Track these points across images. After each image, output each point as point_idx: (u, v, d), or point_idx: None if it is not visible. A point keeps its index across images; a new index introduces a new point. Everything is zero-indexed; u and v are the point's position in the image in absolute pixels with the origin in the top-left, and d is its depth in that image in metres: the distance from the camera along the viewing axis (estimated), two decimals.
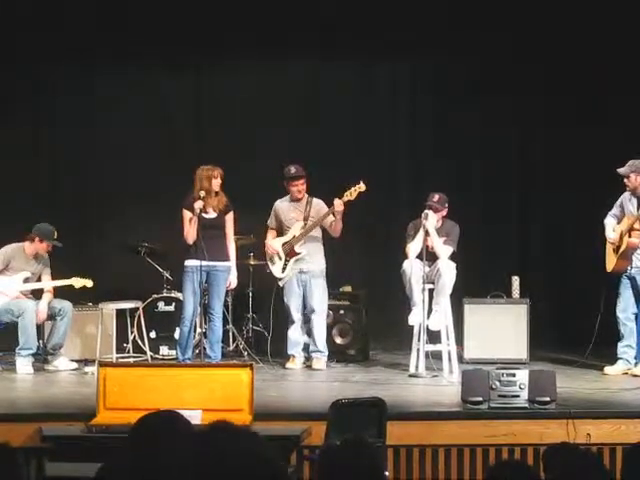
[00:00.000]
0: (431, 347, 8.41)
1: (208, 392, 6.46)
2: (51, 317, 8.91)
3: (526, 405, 6.63)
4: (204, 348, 8.54)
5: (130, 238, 10.02)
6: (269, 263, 9.02)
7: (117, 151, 10.63)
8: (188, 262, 8.57)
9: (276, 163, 9.56)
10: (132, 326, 9.40)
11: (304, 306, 8.99)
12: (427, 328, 8.39)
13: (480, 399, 6.67)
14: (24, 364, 8.73)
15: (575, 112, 10.15)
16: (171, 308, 9.56)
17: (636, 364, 8.37)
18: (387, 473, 6.05)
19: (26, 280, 8.98)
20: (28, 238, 9.01)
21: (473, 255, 9.41)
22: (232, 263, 8.73)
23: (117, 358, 9.18)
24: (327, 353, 8.97)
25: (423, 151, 10.80)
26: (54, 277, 9.07)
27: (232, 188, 8.85)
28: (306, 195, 9.00)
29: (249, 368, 6.55)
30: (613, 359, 8.45)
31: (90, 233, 10.64)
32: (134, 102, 10.71)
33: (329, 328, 9.14)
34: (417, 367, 8.37)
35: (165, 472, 3.20)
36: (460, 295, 9.01)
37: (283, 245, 8.96)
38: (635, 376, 8.22)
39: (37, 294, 9.03)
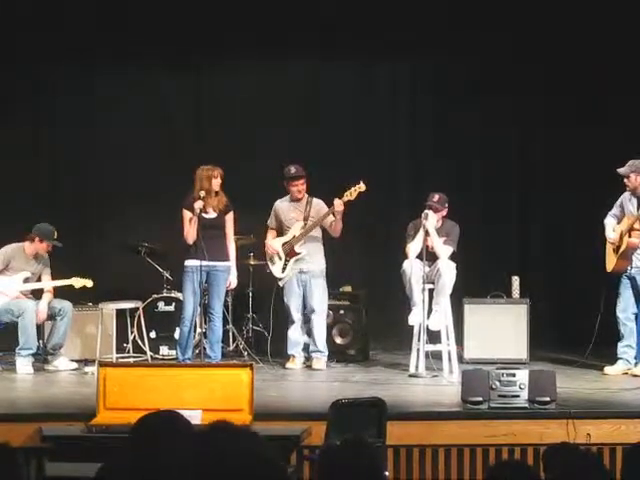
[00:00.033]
0: (431, 347, 8.41)
1: (208, 392, 6.46)
2: (51, 317, 8.91)
3: (526, 405, 6.63)
4: (204, 348, 8.54)
5: (130, 238, 10.02)
6: (269, 263, 9.02)
7: (117, 151, 10.63)
8: (188, 262, 8.57)
9: (276, 163, 9.56)
10: (132, 326, 9.40)
11: (304, 306, 8.99)
12: (427, 328, 8.39)
13: (480, 399, 6.67)
14: (24, 364, 8.73)
15: (575, 112, 10.15)
16: (171, 308, 9.56)
17: (636, 364, 8.37)
18: (387, 473, 6.05)
19: (26, 280, 8.98)
20: (28, 238, 9.01)
21: (473, 255, 9.41)
22: (232, 263, 8.73)
23: (117, 358, 9.17)
24: (327, 353, 8.97)
25: (423, 151, 10.80)
26: (54, 277, 9.07)
27: (232, 188, 8.84)
28: (306, 195, 9.00)
29: (249, 368, 6.55)
30: (613, 359, 8.45)
31: (90, 233, 10.64)
32: (134, 102, 10.71)
33: (329, 328, 9.14)
34: (417, 367, 8.36)
35: (165, 472, 3.20)
36: (460, 295, 9.01)
37: (283, 245, 8.96)
38: (635, 376, 8.22)
39: (37, 294, 9.03)
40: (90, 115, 10.78)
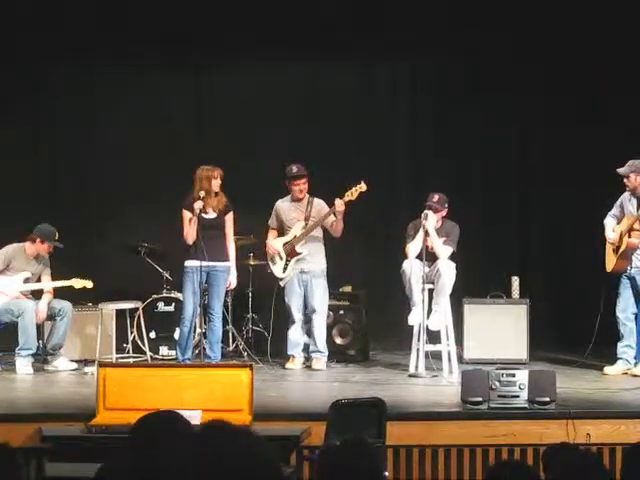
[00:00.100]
0: (431, 347, 8.41)
1: (208, 392, 6.46)
2: (51, 317, 8.91)
3: (526, 405, 6.63)
4: (204, 348, 8.54)
5: (130, 238, 10.02)
6: (270, 263, 9.02)
7: (117, 151, 10.63)
8: (188, 262, 8.56)
9: (276, 163, 9.56)
10: (132, 326, 9.40)
11: (305, 306, 8.98)
12: (427, 328, 8.39)
13: (480, 399, 6.67)
14: (24, 364, 8.73)
15: (575, 112, 10.15)
16: (171, 308, 9.56)
17: (636, 364, 8.37)
18: (387, 473, 6.05)
19: (26, 280, 8.98)
20: (29, 239, 9.00)
21: (473, 255, 9.41)
22: (232, 263, 8.73)
23: (117, 358, 9.17)
24: (327, 353, 8.97)
25: (423, 151, 10.80)
26: (54, 277, 9.07)
27: (232, 188, 8.84)
28: (307, 195, 9.00)
29: (249, 368, 6.55)
30: (613, 359, 8.45)
31: (90, 233, 10.64)
32: (134, 102, 10.71)
33: (329, 328, 9.13)
34: (417, 367, 8.36)
35: (165, 472, 3.20)
36: (460, 295, 9.01)
37: (284, 245, 8.96)
38: (635, 376, 8.22)
39: (37, 294, 9.03)
40: (90, 115, 10.79)
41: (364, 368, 8.95)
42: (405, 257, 8.61)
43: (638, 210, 8.34)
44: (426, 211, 8.52)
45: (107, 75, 10.66)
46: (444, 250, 8.57)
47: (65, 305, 8.91)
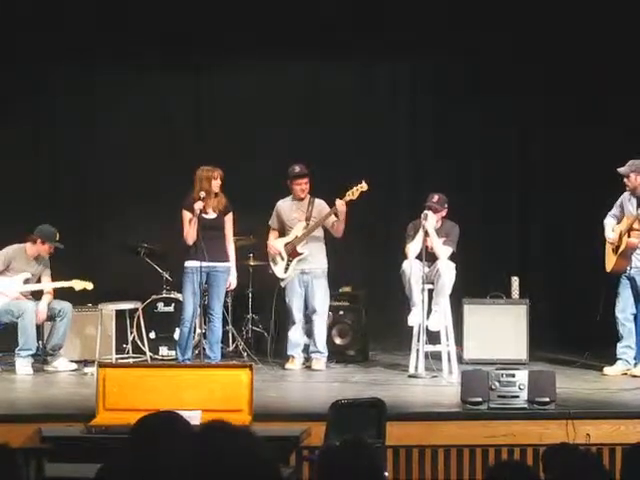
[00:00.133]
0: (430, 348, 8.41)
1: (208, 393, 6.45)
2: (51, 318, 8.91)
3: (525, 406, 6.63)
4: (204, 349, 8.54)
5: (130, 238, 10.02)
6: (271, 264, 9.00)
7: (117, 151, 10.63)
8: (188, 263, 8.56)
9: (276, 163, 9.57)
10: (131, 327, 9.40)
11: (305, 307, 8.98)
12: (427, 328, 8.39)
13: (479, 400, 6.66)
14: (24, 365, 8.73)
15: (575, 112, 10.15)
16: (170, 309, 9.56)
17: (635, 364, 8.36)
18: (386, 474, 6.04)
19: (26, 281, 8.98)
20: (30, 239, 9.00)
21: (473, 255, 9.41)
22: (232, 264, 8.73)
23: (116, 359, 9.17)
24: (327, 354, 8.97)
25: (423, 151, 10.80)
26: (54, 277, 9.07)
27: (232, 188, 8.84)
28: (308, 195, 9.00)
29: (249, 369, 6.55)
30: (612, 359, 8.44)
31: (90, 233, 10.64)
32: (134, 102, 10.71)
33: (328, 329, 9.13)
34: (416, 368, 8.36)
35: (164, 472, 3.20)
36: (460, 295, 9.01)
37: (285, 245, 8.95)
38: (634, 377, 8.21)
39: (37, 295, 9.03)
40: (90, 115, 10.79)
41: (364, 368, 8.95)
42: (405, 257, 8.61)
43: (638, 210, 8.34)
44: (426, 211, 8.52)
45: (107, 75, 10.66)
46: (444, 250, 8.57)
47: (65, 306, 8.90)
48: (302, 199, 8.98)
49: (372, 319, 9.56)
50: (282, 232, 9.05)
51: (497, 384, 6.65)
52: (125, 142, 10.62)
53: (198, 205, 8.47)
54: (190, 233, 8.51)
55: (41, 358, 9.00)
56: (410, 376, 8.33)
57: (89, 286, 8.97)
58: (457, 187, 9.92)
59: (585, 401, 7.11)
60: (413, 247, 8.55)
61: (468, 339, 9.04)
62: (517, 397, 6.64)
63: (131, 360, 9.23)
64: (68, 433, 6.43)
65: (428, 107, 10.77)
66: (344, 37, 10.25)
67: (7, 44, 10.24)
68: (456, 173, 10.51)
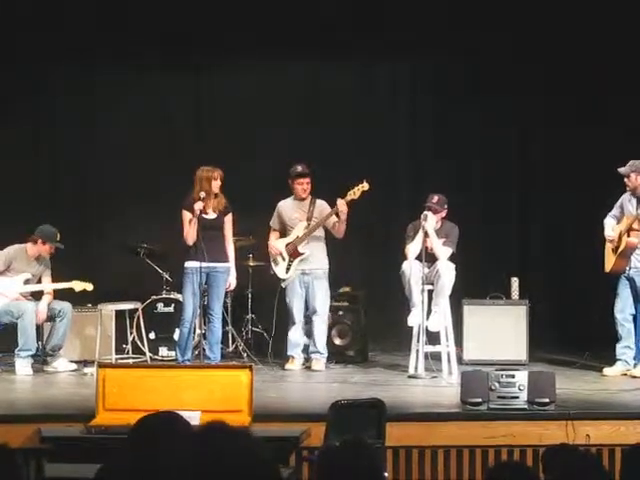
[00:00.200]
0: (430, 348, 8.41)
1: (207, 393, 6.45)
2: (51, 318, 8.91)
3: (525, 406, 6.63)
4: (203, 349, 8.54)
5: (130, 238, 10.02)
6: (273, 264, 9.00)
7: (117, 151, 10.63)
8: (188, 264, 8.56)
9: (276, 163, 9.57)
10: (131, 327, 9.40)
11: (306, 307, 8.97)
12: (426, 329, 8.38)
13: (479, 400, 6.66)
14: (23, 365, 8.72)
15: (575, 112, 10.15)
16: (170, 309, 9.55)
17: (635, 365, 8.36)
18: (386, 474, 6.05)
19: (27, 282, 8.98)
20: (30, 240, 9.00)
21: (473, 256, 9.40)
22: (231, 264, 8.72)
23: (116, 359, 9.17)
24: (327, 354, 8.96)
25: (423, 151, 10.80)
26: (54, 277, 9.07)
27: (232, 188, 8.84)
28: (310, 196, 8.99)
29: (248, 369, 6.54)
30: (612, 360, 8.44)
31: (90, 233, 10.63)
32: (134, 102, 10.71)
33: (328, 329, 9.12)
34: (416, 368, 8.36)
35: (164, 473, 3.20)
36: (459, 296, 9.01)
37: (286, 246, 8.94)
38: (634, 377, 8.21)
39: (37, 295, 9.02)
40: (90, 115, 10.79)
41: (363, 369, 8.95)
42: (405, 258, 8.61)
43: (638, 210, 8.33)
44: (425, 212, 8.51)
45: (107, 75, 10.66)
46: (443, 251, 8.57)
47: (65, 306, 8.90)
48: (303, 199, 8.98)
49: (372, 319, 9.56)
50: (283, 232, 9.05)
51: (497, 385, 6.65)
52: (125, 142, 10.62)
53: (198, 205, 8.47)
54: (190, 233, 8.51)
55: (41, 358, 9.00)
56: (410, 377, 8.32)
57: (89, 287, 8.96)
58: (457, 187, 9.92)
59: (585, 402, 7.10)
60: (413, 248, 8.55)
61: (468, 340, 9.04)
62: (517, 398, 6.63)
63: (131, 360, 9.23)
64: (68, 433, 6.43)
65: (428, 107, 10.77)
66: (344, 37, 10.25)
67: (7, 44, 10.24)
68: (456, 173, 10.51)
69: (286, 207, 9.04)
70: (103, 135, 10.73)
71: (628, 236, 8.34)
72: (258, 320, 9.77)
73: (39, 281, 9.03)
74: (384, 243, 10.32)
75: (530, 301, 9.16)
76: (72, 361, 9.07)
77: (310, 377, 8.61)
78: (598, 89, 10.09)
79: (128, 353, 9.40)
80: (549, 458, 4.21)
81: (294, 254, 8.91)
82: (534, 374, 6.82)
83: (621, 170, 8.36)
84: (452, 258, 8.63)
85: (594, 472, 3.84)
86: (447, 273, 8.48)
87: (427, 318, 8.41)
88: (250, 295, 9.82)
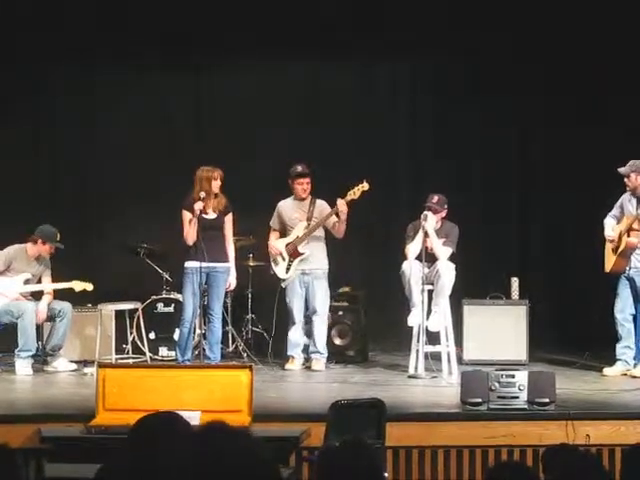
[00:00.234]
0: (430, 348, 8.41)
1: (207, 393, 6.45)
2: (51, 318, 8.91)
3: (525, 406, 6.63)
4: (203, 349, 8.54)
5: (130, 238, 10.02)
6: (272, 264, 8.99)
7: (117, 151, 10.63)
8: (188, 264, 8.56)
9: (276, 163, 9.57)
10: (131, 327, 9.40)
11: (306, 307, 8.97)
12: (426, 329, 8.38)
13: (479, 400, 6.66)
14: (23, 365, 8.72)
15: (575, 112, 10.15)
16: (170, 309, 9.55)
17: (635, 365, 8.36)
18: (386, 474, 6.05)
19: (27, 282, 8.98)
20: (30, 240, 9.00)
21: (473, 256, 9.40)
22: (231, 264, 8.72)
23: (116, 359, 9.17)
24: (327, 354, 8.96)
25: (423, 151, 10.80)
26: (54, 277, 9.07)
27: (232, 188, 8.84)
28: (310, 196, 8.99)
29: (248, 369, 6.54)
30: (612, 360, 8.44)
31: (90, 233, 10.63)
32: (134, 102, 10.71)
33: (328, 329, 9.12)
34: (416, 368, 8.36)
35: (164, 473, 3.20)
36: (459, 296, 9.01)
37: (287, 246, 8.94)
38: (634, 377, 8.21)
39: (37, 296, 9.02)
40: (90, 115, 10.79)
41: (363, 369, 8.95)
42: (404, 258, 8.61)
43: (638, 210, 8.33)
44: (425, 212, 8.52)
45: (107, 75, 10.66)
46: (443, 251, 8.57)
47: (65, 306, 8.90)
48: (303, 199, 8.97)
49: (371, 319, 9.56)
50: (283, 232, 9.05)
51: (497, 385, 6.65)
52: (125, 142, 10.62)
53: (198, 205, 8.47)
54: (190, 233, 8.51)
55: (41, 358, 9.00)
56: (410, 377, 8.32)
57: (89, 287, 8.96)
58: (457, 187, 9.92)
59: (585, 402, 7.10)
60: (413, 248, 8.55)
61: (468, 340, 9.04)
62: (517, 398, 6.63)
63: (131, 360, 9.23)
64: (68, 433, 6.43)
65: (428, 107, 10.77)
66: (344, 37, 10.25)
67: (7, 44, 10.24)
68: (456, 173, 10.52)
69: (286, 207, 9.04)
70: (103, 135, 10.73)
71: (628, 236, 8.34)
72: (258, 320, 9.77)
73: (39, 281, 9.04)
74: (384, 243, 10.32)
75: (530, 301, 9.16)
76: (72, 361, 9.07)
77: (310, 377, 8.61)
78: (598, 89, 10.09)
79: (128, 353, 9.40)
80: (549, 458, 4.21)
81: (294, 254, 8.91)
82: (534, 374, 6.82)
83: (621, 170, 8.36)
84: (452, 258, 8.63)
85: (594, 472, 3.84)
86: (447, 273, 8.48)
87: (427, 318, 8.41)
88: (250, 295, 9.82)
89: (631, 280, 8.38)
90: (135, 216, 10.38)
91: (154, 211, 10.07)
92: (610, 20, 9.90)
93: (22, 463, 5.86)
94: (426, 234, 8.45)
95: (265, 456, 3.10)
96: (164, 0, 10.37)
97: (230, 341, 9.60)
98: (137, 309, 9.37)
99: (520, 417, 6.61)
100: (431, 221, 8.50)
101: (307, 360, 8.99)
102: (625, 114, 9.88)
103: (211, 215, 8.64)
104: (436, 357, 8.45)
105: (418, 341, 8.38)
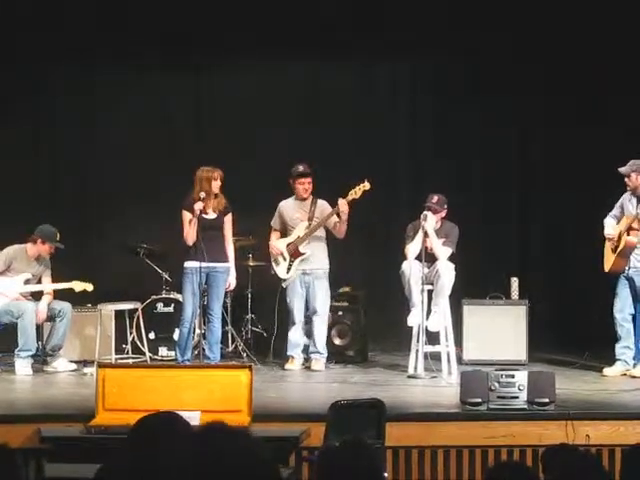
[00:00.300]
0: (430, 348, 8.40)
1: (207, 393, 6.45)
2: (50, 318, 8.91)
3: (525, 406, 6.63)
4: (203, 349, 8.54)
5: (130, 238, 10.02)
6: (273, 264, 8.99)
7: (117, 151, 10.63)
8: (188, 264, 8.56)
9: (276, 163, 9.57)
10: (131, 327, 9.40)
11: (306, 307, 8.97)
12: (426, 329, 8.38)
13: (479, 400, 6.66)
14: (23, 365, 8.72)
15: (575, 112, 10.15)
16: (170, 309, 9.55)
17: (634, 365, 8.36)
18: (386, 474, 6.05)
19: (27, 282, 8.98)
20: (30, 240, 9.00)
21: (472, 256, 9.41)
22: (231, 264, 8.72)
23: (116, 359, 9.17)
24: (326, 354, 8.96)
25: (423, 151, 10.80)
26: (54, 277, 9.06)
27: (232, 188, 8.84)
28: (311, 196, 8.99)
29: (248, 369, 6.54)
30: (612, 360, 8.43)
31: (90, 233, 10.63)
32: (134, 102, 10.71)
33: (328, 329, 9.12)
34: (416, 368, 8.36)
35: (164, 473, 3.20)
36: (459, 296, 9.01)
37: (287, 246, 8.94)
38: (634, 377, 8.20)
39: (37, 296, 9.02)
40: (90, 115, 10.79)
41: (363, 369, 8.94)
42: (404, 258, 8.61)
43: (638, 209, 8.33)
44: (425, 212, 8.52)
45: (107, 75, 10.66)
46: (443, 251, 8.57)
47: (65, 306, 8.90)
48: (305, 199, 8.97)
49: (371, 319, 9.56)
50: (284, 232, 9.05)
51: (496, 385, 6.65)
52: (125, 142, 10.62)
53: (198, 205, 8.47)
54: (190, 233, 8.51)
55: (41, 358, 9.00)
56: (409, 377, 8.32)
57: (89, 287, 8.96)
58: (457, 187, 9.92)
59: (584, 402, 7.10)
60: (413, 248, 8.55)
61: (467, 340, 9.04)
62: (516, 398, 6.63)
63: (130, 360, 9.23)
64: (67, 433, 6.43)
65: (428, 107, 10.77)
66: (344, 37, 10.25)
67: (7, 44, 10.24)
68: (456, 173, 10.52)
69: (287, 207, 9.04)
70: (103, 135, 10.73)
71: (628, 235, 8.34)
72: (258, 320, 9.77)
73: (39, 281, 9.04)
74: (384, 243, 10.31)
75: (530, 301, 9.17)
76: (72, 361, 9.07)
77: (310, 377, 8.61)
78: (598, 89, 10.09)
79: (128, 353, 9.40)
80: (549, 458, 4.22)
81: (295, 254, 8.91)
82: (534, 374, 6.82)
83: (621, 170, 8.36)
84: (452, 258, 8.63)
85: (594, 472, 3.84)
86: (447, 273, 8.48)
87: (427, 318, 8.41)
88: (250, 295, 9.81)
89: (630, 280, 8.37)
90: (135, 216, 10.38)
91: (154, 211, 10.07)
92: (610, 20, 9.90)
93: (22, 463, 5.86)
94: (426, 234, 8.45)
95: (265, 456, 3.10)
96: (164, 0, 10.37)
97: (230, 341, 9.60)
98: (137, 309, 9.37)
99: (520, 417, 6.61)
100: (431, 221, 8.50)
101: (307, 360, 8.99)
102: (625, 114, 9.88)
103: (211, 215, 8.64)
104: (436, 357, 8.45)
105: (418, 341, 8.38)
